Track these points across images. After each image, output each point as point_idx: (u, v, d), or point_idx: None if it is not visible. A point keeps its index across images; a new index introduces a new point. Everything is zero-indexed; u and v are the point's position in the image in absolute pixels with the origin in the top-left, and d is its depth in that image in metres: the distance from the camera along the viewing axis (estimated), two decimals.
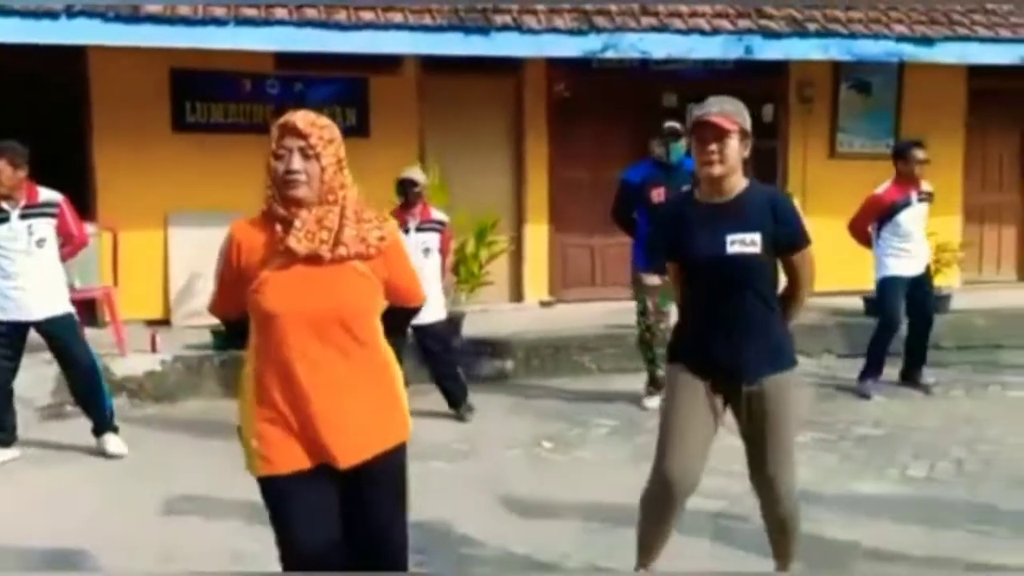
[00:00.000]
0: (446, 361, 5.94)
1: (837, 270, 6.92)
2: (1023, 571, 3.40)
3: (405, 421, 2.54)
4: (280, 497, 2.38)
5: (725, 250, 2.88)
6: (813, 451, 5.10)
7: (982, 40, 8.18)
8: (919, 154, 6.20)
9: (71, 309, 5.16)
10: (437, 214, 5.95)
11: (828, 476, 4.66)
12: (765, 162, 9.25)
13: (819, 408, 6.02)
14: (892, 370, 6.53)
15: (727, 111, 2.88)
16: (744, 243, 2.87)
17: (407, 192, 5.79)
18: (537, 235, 8.53)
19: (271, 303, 2.32)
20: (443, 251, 5.98)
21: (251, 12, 6.72)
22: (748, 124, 2.93)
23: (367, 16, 6.95)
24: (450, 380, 5.92)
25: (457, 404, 5.89)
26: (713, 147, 2.85)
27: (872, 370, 6.38)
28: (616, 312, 7.27)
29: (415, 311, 2.70)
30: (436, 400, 5.97)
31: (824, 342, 7.59)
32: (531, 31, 7.20)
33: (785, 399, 2.98)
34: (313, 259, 2.32)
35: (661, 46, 7.47)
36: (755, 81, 8.74)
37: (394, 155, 7.81)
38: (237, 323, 2.48)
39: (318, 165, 2.34)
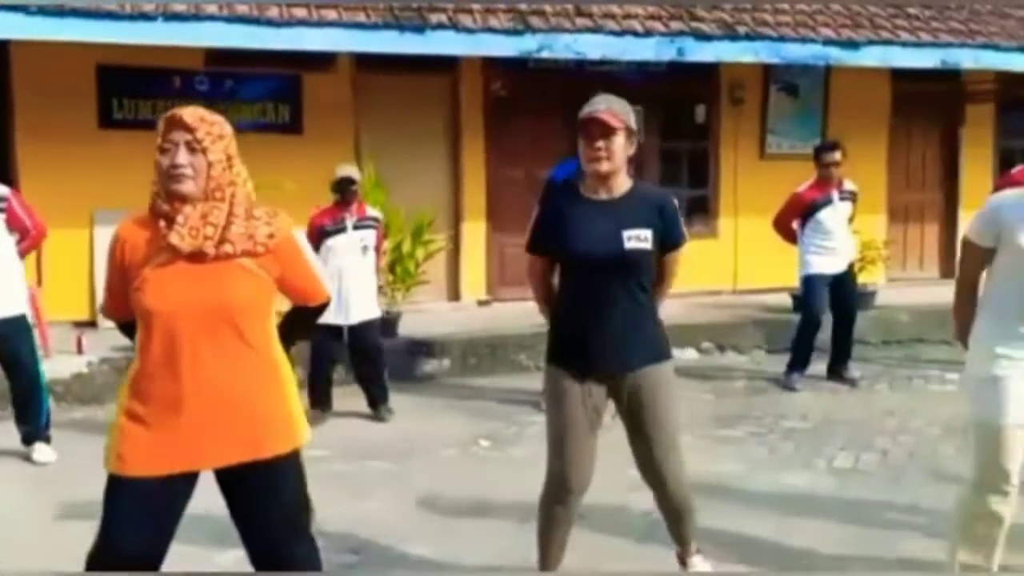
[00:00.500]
0: (375, 361, 5.91)
1: (767, 268, 7.14)
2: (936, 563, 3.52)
3: (293, 428, 2.44)
4: (115, 497, 2.32)
5: (623, 246, 2.93)
6: (743, 444, 5.23)
7: (904, 44, 8.45)
8: (829, 156, 6.40)
9: (25, 310, 4.96)
10: (372, 211, 5.95)
11: (758, 468, 4.77)
12: (697, 162, 9.44)
13: (749, 402, 6.16)
14: (819, 365, 6.72)
15: (614, 109, 2.93)
16: (639, 239, 2.95)
17: (344, 190, 5.75)
18: (474, 234, 8.55)
19: (150, 301, 2.27)
20: (377, 248, 5.96)
21: (180, 7, 6.60)
22: (634, 123, 3.00)
23: (299, 13, 6.88)
24: (374, 380, 5.89)
25: (377, 405, 5.86)
26: (600, 144, 2.90)
27: (797, 365, 6.54)
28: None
29: (320, 310, 2.62)
30: (358, 402, 5.93)
31: (754, 338, 7.77)
32: (467, 30, 7.21)
33: (666, 389, 3.06)
34: (197, 256, 2.26)
35: (595, 47, 7.56)
36: (687, 82, 8.91)
37: (328, 153, 7.74)
38: (132, 325, 2.40)
39: (205, 160, 2.28)
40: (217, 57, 7.50)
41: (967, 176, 10.11)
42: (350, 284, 5.68)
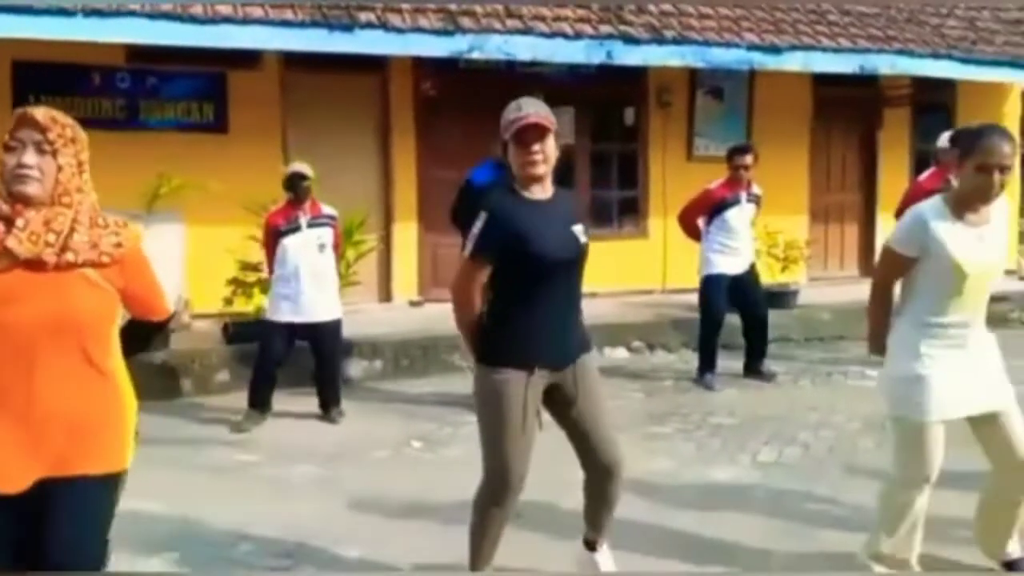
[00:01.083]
0: (332, 362, 5.86)
1: (692, 268, 7.22)
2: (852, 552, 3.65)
3: (114, 451, 2.30)
4: None
5: (579, 242, 3.05)
6: (672, 441, 5.33)
7: (824, 50, 8.69)
8: (741, 158, 6.58)
9: None
10: (327, 209, 5.85)
11: (686, 464, 4.87)
12: (627, 164, 9.57)
13: (678, 400, 6.27)
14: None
15: (543, 113, 2.99)
16: (584, 234, 3.10)
17: (295, 186, 5.66)
18: (406, 234, 8.51)
19: None
20: (336, 246, 5.90)
21: (101, 3, 6.41)
22: (556, 125, 3.07)
23: (224, 10, 6.75)
24: (330, 382, 5.84)
25: (328, 407, 5.81)
26: (537, 147, 2.96)
27: (706, 365, 6.69)
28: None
29: (161, 326, 2.52)
30: (304, 403, 5.87)
31: (683, 336, 7.89)
32: (396, 30, 7.18)
33: (597, 377, 3.22)
34: (36, 264, 2.14)
35: (526, 48, 7.60)
36: (617, 85, 9.02)
37: (254, 152, 7.65)
38: None
39: (55, 163, 2.18)
40: (139, 54, 7.32)
41: (884, 178, 10.46)
42: (308, 283, 5.61)
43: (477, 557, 3.20)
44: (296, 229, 5.63)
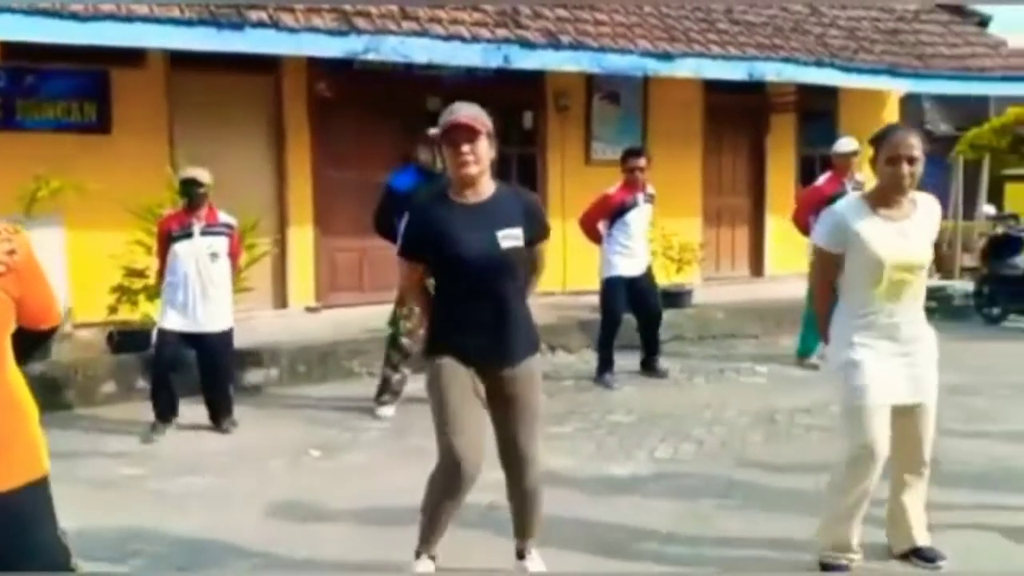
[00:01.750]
0: (222, 373, 5.67)
1: (595, 270, 7.31)
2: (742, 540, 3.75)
3: (33, 456, 2.24)
4: None
5: (499, 246, 3.05)
6: (573, 440, 5.37)
7: (714, 57, 8.95)
8: (635, 161, 6.74)
9: None
10: (225, 217, 5.65)
11: (586, 461, 4.92)
12: (525, 167, 9.63)
13: (578, 400, 6.34)
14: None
15: (475, 114, 3.03)
16: (512, 238, 3.08)
17: (188, 193, 5.47)
18: (301, 238, 8.34)
19: None
20: (233, 255, 5.71)
21: None
22: (492, 128, 3.09)
23: (106, 7, 6.48)
24: (221, 393, 5.66)
25: (219, 418, 5.62)
26: (467, 148, 2.99)
27: (605, 365, 6.82)
28: (385, 314, 7.23)
29: (50, 334, 2.42)
30: (196, 412, 5.67)
31: (583, 338, 7.99)
32: (288, 29, 7.03)
33: (536, 381, 3.21)
34: None
35: (422, 51, 7.55)
36: (515, 89, 9.06)
37: (139, 153, 7.38)
38: None
39: None
40: (16, 51, 6.95)
41: (772, 181, 10.84)
42: (197, 292, 5.43)
43: (425, 540, 3.24)
44: (188, 235, 5.45)
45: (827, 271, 3.38)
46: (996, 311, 9.25)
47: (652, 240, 7.47)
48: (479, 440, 3.09)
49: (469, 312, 3.09)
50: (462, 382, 3.08)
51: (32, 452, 2.23)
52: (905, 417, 3.35)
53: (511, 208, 3.11)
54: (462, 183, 3.06)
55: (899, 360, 3.29)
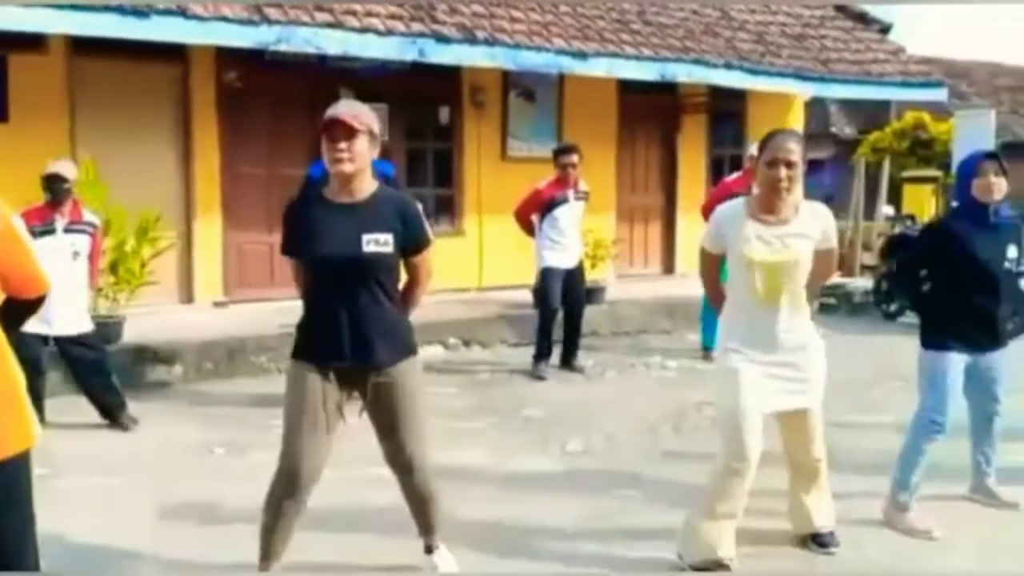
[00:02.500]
0: (97, 372, 5.44)
1: (510, 265, 7.40)
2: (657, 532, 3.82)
3: (24, 427, 2.29)
4: None
5: (361, 249, 2.98)
6: (485, 435, 5.39)
7: (628, 57, 9.08)
8: (567, 157, 6.83)
9: None
10: (89, 215, 5.43)
11: (497, 457, 4.93)
12: (442, 162, 9.60)
13: (492, 394, 6.35)
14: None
15: (357, 112, 2.99)
16: (378, 243, 3.00)
17: (52, 188, 5.23)
18: (208, 232, 8.13)
19: None
20: (93, 256, 5.45)
21: None
22: (376, 127, 3.05)
23: None
24: (103, 392, 5.45)
25: (114, 414, 5.43)
26: (343, 145, 2.93)
27: (541, 353, 6.88)
28: (295, 310, 7.09)
29: (37, 302, 2.44)
30: (93, 411, 5.47)
31: (498, 333, 8.02)
32: (197, 18, 6.84)
33: (413, 383, 3.15)
34: None
35: (336, 43, 7.45)
36: (431, 83, 9.03)
37: (39, 143, 7.08)
38: None
39: None
40: None
41: (683, 181, 11.07)
42: (55, 293, 5.16)
43: (267, 550, 3.14)
44: (49, 232, 5.18)
45: (709, 270, 3.48)
46: (893, 307, 9.64)
47: (583, 234, 7.52)
48: (319, 447, 3.03)
49: (330, 314, 3.02)
50: (312, 387, 3.01)
51: (18, 424, 2.26)
52: (789, 421, 3.45)
53: (386, 213, 3.03)
54: (337, 179, 3.01)
55: (777, 368, 3.31)
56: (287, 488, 3.05)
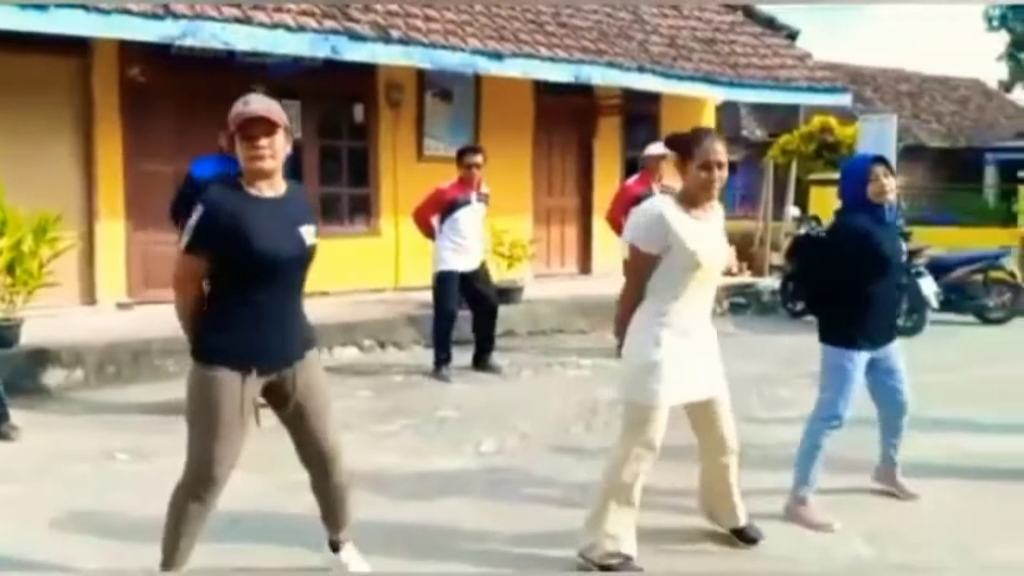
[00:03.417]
0: None
1: (427, 266, 7.32)
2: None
3: None
4: None
5: (304, 243, 3.00)
6: (399, 437, 5.34)
7: (543, 58, 9.12)
8: (471, 158, 6.81)
9: None
10: None
11: (411, 458, 4.89)
12: (357, 161, 9.49)
13: (406, 396, 6.30)
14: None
15: (272, 108, 2.95)
16: (311, 235, 3.04)
17: None
18: (111, 232, 7.84)
19: None
20: None
21: None
22: (288, 123, 3.02)
23: None
24: None
25: None
26: (264, 142, 2.90)
27: (441, 358, 6.84)
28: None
29: None
30: None
31: (414, 334, 7.97)
32: (99, 10, 6.59)
33: (321, 374, 3.20)
34: None
35: (244, 39, 7.27)
36: (345, 81, 8.92)
37: None
38: None
39: None
40: None
41: (599, 182, 11.19)
42: None
43: (172, 553, 3.06)
44: None
45: (642, 270, 3.41)
46: (799, 306, 9.94)
47: (486, 236, 7.54)
48: (234, 452, 3.00)
49: (260, 313, 2.95)
50: (235, 392, 2.93)
51: None
52: (704, 410, 3.53)
53: (304, 206, 3.11)
54: (257, 177, 2.95)
55: (694, 357, 3.42)
56: (198, 493, 3.00)
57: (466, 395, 6.36)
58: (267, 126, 2.90)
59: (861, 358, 3.97)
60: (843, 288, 4.00)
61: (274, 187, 3.00)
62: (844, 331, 3.97)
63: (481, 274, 7.00)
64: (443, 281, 6.83)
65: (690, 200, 3.41)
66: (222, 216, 2.88)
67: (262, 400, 3.08)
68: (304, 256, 3.02)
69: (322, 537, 3.38)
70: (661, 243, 3.33)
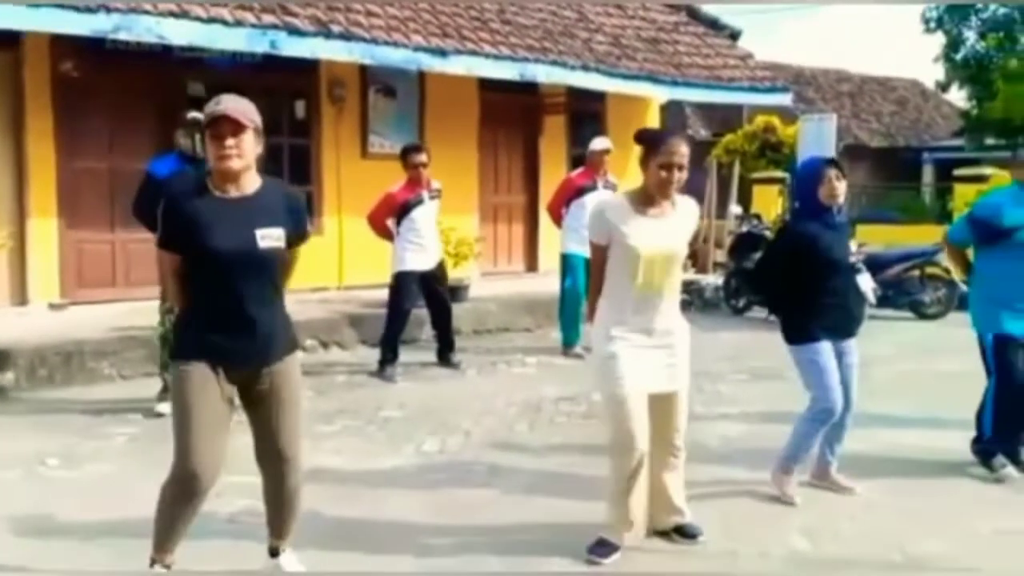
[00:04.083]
0: None
1: (372, 265, 7.29)
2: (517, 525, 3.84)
3: None
4: None
5: (257, 245, 2.95)
6: (341, 437, 5.28)
7: (487, 56, 9.10)
8: (416, 157, 6.77)
9: None
10: None
11: (353, 459, 4.83)
12: (299, 159, 9.36)
13: (349, 397, 6.24)
14: (417, 355, 6.99)
15: (242, 108, 2.94)
16: (272, 238, 2.99)
17: None
18: (43, 230, 7.62)
19: None
20: None
21: None
22: (260, 123, 3.00)
23: None
24: None
25: None
26: (231, 142, 2.89)
27: (388, 358, 6.79)
28: (140, 312, 6.77)
29: None
30: None
31: (358, 333, 7.89)
32: (28, 3, 6.39)
33: (296, 380, 3.16)
34: None
35: (181, 33, 7.12)
36: (286, 77, 8.79)
37: None
38: None
39: None
40: None
41: (545, 181, 11.19)
42: None
43: (160, 549, 3.10)
44: None
45: (597, 260, 3.53)
46: (741, 303, 10.08)
47: (441, 233, 7.50)
48: (221, 449, 3.00)
49: (223, 311, 2.97)
50: (210, 387, 2.97)
51: None
52: (660, 404, 3.55)
53: (275, 206, 3.02)
54: (223, 177, 2.95)
55: (655, 351, 3.47)
56: (186, 491, 2.98)
57: (410, 394, 6.31)
58: (235, 126, 2.88)
59: (827, 349, 4.09)
60: (798, 290, 4.11)
61: (240, 186, 2.97)
62: (804, 328, 4.09)
63: (439, 273, 6.99)
64: (401, 281, 6.81)
65: (646, 197, 3.46)
66: (177, 214, 2.95)
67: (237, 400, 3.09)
68: (259, 258, 2.95)
69: (251, 536, 3.34)
70: (604, 235, 3.43)
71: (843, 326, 4.16)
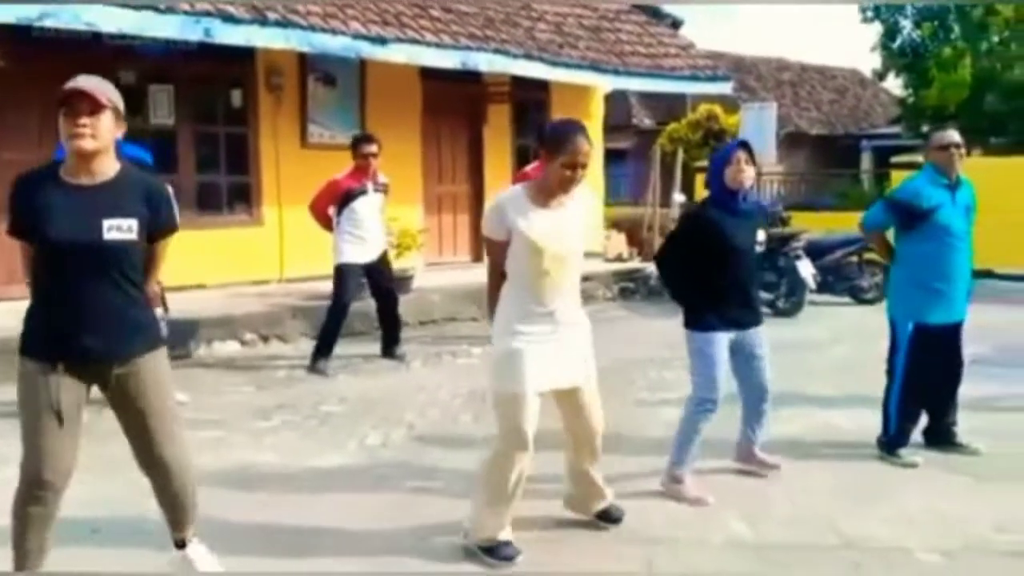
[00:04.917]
0: None
1: (314, 256, 7.16)
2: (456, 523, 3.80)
3: None
4: None
5: (102, 236, 2.79)
6: (279, 433, 5.17)
7: (428, 44, 9.00)
8: (366, 147, 6.63)
9: None
10: None
11: (291, 456, 4.74)
12: (236, 148, 9.17)
13: (289, 391, 6.13)
14: (366, 347, 6.90)
15: (100, 86, 2.81)
16: (121, 229, 2.81)
17: None
18: None
19: None
20: None
21: None
22: (121, 106, 2.87)
23: None
24: None
25: None
26: (85, 120, 2.75)
27: (323, 351, 6.67)
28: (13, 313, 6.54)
29: None
30: None
31: (299, 326, 7.77)
32: None
33: (162, 376, 3.01)
34: None
35: (109, 20, 6.91)
36: (222, 65, 8.61)
37: None
38: None
39: None
40: None
41: (489, 170, 11.15)
42: None
43: (21, 562, 2.93)
44: None
45: (496, 258, 3.45)
46: None
47: (386, 226, 7.32)
48: (65, 449, 2.84)
49: (63, 304, 2.80)
50: (46, 385, 2.79)
51: None
52: (568, 398, 3.52)
53: (131, 197, 2.86)
54: (77, 158, 2.79)
55: (556, 347, 3.39)
56: (32, 494, 2.84)
57: (353, 388, 6.23)
58: (92, 104, 2.73)
59: (721, 341, 4.06)
60: (697, 277, 4.08)
61: (93, 173, 2.82)
62: (702, 316, 4.06)
63: (382, 265, 6.86)
64: (341, 273, 6.67)
65: (546, 192, 3.40)
66: (21, 200, 2.81)
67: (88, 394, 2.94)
68: (101, 250, 2.78)
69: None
70: (502, 231, 3.36)
71: (743, 316, 4.12)
